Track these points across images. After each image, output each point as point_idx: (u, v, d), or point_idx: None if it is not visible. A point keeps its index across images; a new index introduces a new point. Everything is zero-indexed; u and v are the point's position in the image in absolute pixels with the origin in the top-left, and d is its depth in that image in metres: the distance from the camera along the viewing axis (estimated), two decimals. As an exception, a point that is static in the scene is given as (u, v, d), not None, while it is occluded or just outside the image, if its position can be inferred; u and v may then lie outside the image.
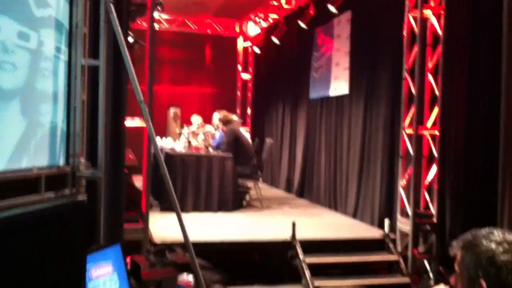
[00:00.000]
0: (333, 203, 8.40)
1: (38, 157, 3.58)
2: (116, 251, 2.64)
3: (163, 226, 6.36)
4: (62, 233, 2.16)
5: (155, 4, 5.88)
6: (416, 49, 6.09)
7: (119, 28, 3.84)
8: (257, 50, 12.28)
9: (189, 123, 9.95)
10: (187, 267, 3.84)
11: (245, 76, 12.93)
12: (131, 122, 5.67)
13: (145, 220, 5.44)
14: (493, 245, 1.65)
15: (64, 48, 3.86)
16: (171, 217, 6.71)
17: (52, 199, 3.59)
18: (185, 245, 4.40)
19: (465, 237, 1.75)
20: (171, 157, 7.63)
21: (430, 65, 6.16)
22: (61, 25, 3.82)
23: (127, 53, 3.94)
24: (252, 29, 12.13)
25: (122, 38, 3.90)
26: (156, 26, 9.51)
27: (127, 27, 5.13)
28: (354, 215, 7.56)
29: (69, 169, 3.84)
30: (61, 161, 3.83)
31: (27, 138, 3.47)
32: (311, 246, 5.96)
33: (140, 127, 5.80)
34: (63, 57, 3.85)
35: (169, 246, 5.57)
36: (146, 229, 5.45)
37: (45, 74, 3.65)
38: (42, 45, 3.60)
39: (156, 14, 8.46)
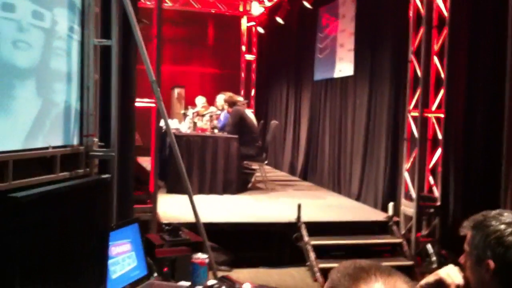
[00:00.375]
0: (337, 185, 8.45)
1: (52, 136, 3.63)
2: (134, 229, 2.68)
3: (170, 207, 6.41)
4: (89, 210, 2.21)
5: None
6: (422, 31, 6.09)
7: (131, 8, 3.85)
8: (261, 30, 12.23)
9: (193, 104, 9.95)
10: (199, 247, 3.90)
11: (249, 57, 12.90)
12: (139, 103, 5.68)
13: (153, 200, 5.48)
14: (502, 226, 1.69)
15: (77, 28, 3.88)
16: (178, 198, 6.83)
17: (66, 177, 3.65)
18: (195, 225, 4.49)
19: (475, 218, 1.79)
20: (177, 138, 7.62)
21: (435, 47, 6.16)
22: (73, 4, 3.84)
23: (139, 33, 3.96)
24: (256, 9, 12.06)
25: (134, 19, 3.91)
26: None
27: (135, 7, 5.13)
28: (358, 198, 7.62)
29: (82, 149, 3.89)
30: (75, 140, 3.88)
31: (43, 116, 3.52)
32: (316, 228, 6.01)
33: (146, 107, 5.81)
34: (76, 36, 3.88)
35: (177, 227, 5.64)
36: (154, 209, 5.50)
37: (59, 53, 3.68)
38: (56, 24, 3.63)
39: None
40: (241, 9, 12.65)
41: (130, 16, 3.92)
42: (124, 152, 4.63)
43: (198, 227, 4.52)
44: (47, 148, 3.50)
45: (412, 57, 6.24)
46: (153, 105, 5.54)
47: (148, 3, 9.78)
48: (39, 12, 3.43)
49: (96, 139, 3.97)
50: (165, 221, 5.79)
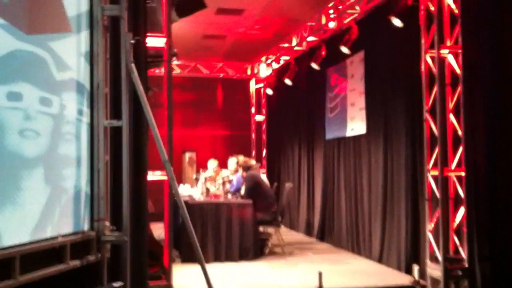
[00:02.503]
0: (356, 247, 8.20)
1: (62, 223, 3.51)
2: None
3: (186, 280, 6.19)
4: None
5: (171, 55, 5.84)
6: (435, 89, 6.01)
7: (141, 88, 3.79)
8: (269, 91, 12.28)
9: (205, 167, 9.86)
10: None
11: (259, 117, 12.89)
12: (151, 177, 5.57)
13: (168, 277, 5.29)
14: None
15: (86, 109, 3.81)
16: (193, 268, 6.61)
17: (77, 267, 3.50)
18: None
19: None
20: (190, 206, 7.50)
21: (450, 105, 6.06)
22: (82, 86, 3.78)
23: (151, 114, 3.88)
24: (264, 71, 12.15)
25: (145, 99, 3.84)
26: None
27: (145, 79, 5.09)
28: (380, 260, 7.35)
29: (93, 234, 3.75)
30: (86, 226, 3.75)
31: (51, 205, 3.40)
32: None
33: (160, 180, 5.70)
34: (85, 119, 3.80)
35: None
36: (169, 286, 5.29)
37: (67, 139, 3.59)
38: (64, 109, 3.56)
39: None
40: (248, 72, 12.76)
41: (141, 98, 3.85)
42: (137, 230, 4.48)
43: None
44: (56, 237, 3.37)
45: (427, 115, 6.13)
46: (165, 177, 5.42)
47: (157, 71, 9.84)
48: (47, 98, 3.37)
49: (107, 223, 3.82)
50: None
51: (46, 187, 3.35)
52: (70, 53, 3.63)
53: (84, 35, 3.79)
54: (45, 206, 3.32)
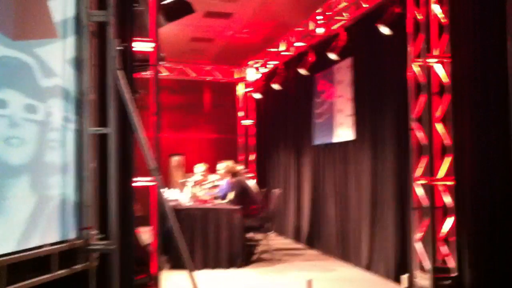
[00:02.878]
0: (345, 254, 8.18)
1: (49, 232, 3.45)
2: None
3: (173, 286, 6.13)
4: None
5: (158, 60, 5.79)
6: (422, 98, 6.02)
7: (127, 95, 3.74)
8: (257, 96, 12.26)
9: (192, 171, 9.79)
10: None
11: (246, 122, 12.86)
12: (139, 182, 5.50)
13: (156, 283, 5.22)
14: None
15: (71, 116, 3.76)
16: (183, 275, 6.54)
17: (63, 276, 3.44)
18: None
19: None
20: (178, 212, 7.41)
21: (437, 114, 6.07)
22: (68, 93, 3.73)
23: (137, 122, 3.83)
24: (252, 75, 12.13)
25: (131, 106, 3.79)
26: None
27: (131, 84, 5.03)
28: (368, 268, 7.34)
29: (80, 243, 3.69)
30: (73, 234, 3.69)
31: (38, 213, 3.34)
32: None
33: (145, 187, 5.63)
34: (71, 126, 3.75)
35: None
36: (157, 292, 5.24)
37: (53, 146, 3.54)
38: (49, 116, 3.51)
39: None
40: (236, 76, 12.72)
41: (126, 105, 3.81)
42: (124, 237, 4.42)
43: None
44: (43, 246, 3.31)
45: (413, 124, 6.13)
46: (153, 183, 5.36)
47: (143, 73, 9.79)
48: (32, 105, 3.32)
49: (94, 232, 3.77)
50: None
51: (32, 195, 3.29)
52: (56, 59, 3.58)
53: (70, 41, 3.73)
54: (31, 215, 3.26)
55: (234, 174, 8.20)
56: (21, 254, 3.12)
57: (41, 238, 3.34)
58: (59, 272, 3.44)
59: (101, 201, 3.97)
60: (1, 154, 3.01)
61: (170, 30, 8.29)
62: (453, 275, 5.70)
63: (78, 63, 3.75)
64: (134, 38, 4.77)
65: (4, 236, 3.02)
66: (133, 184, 4.60)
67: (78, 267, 3.65)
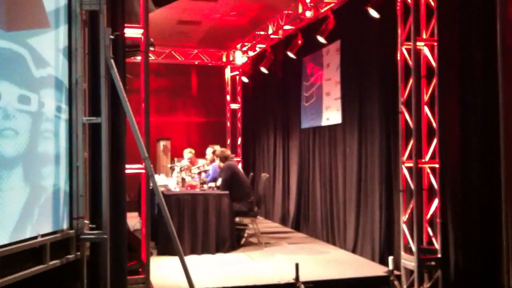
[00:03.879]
0: (331, 236, 8.29)
1: (41, 223, 3.46)
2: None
3: (163, 272, 6.19)
4: None
5: (148, 45, 5.75)
6: (411, 81, 6.07)
7: (120, 84, 3.73)
8: (245, 79, 12.23)
9: (179, 155, 9.80)
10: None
11: (234, 105, 12.85)
12: (129, 170, 5.50)
13: (146, 270, 5.26)
14: None
15: (64, 106, 3.75)
16: (170, 260, 6.61)
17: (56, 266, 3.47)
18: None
19: None
20: (166, 197, 7.45)
21: (425, 97, 6.13)
22: (61, 83, 3.72)
23: (130, 111, 3.83)
24: (239, 59, 12.09)
25: (124, 95, 3.79)
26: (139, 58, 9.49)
27: (123, 72, 5.01)
28: (354, 250, 7.46)
29: (73, 233, 3.71)
30: (65, 224, 3.71)
31: (31, 204, 3.35)
32: (316, 287, 5.83)
33: (136, 174, 5.63)
34: (64, 116, 3.74)
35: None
36: (147, 279, 5.27)
37: (46, 136, 3.54)
38: (42, 106, 3.50)
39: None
40: (224, 59, 12.67)
41: (120, 94, 3.80)
42: (116, 226, 4.44)
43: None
44: (36, 237, 3.33)
45: (402, 107, 6.19)
46: (143, 171, 5.37)
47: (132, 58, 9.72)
48: (26, 96, 3.30)
49: (86, 221, 3.79)
50: (158, 289, 5.60)
51: (26, 186, 3.30)
52: (49, 49, 3.56)
53: (62, 30, 3.71)
54: (25, 206, 3.27)
55: (224, 158, 8.21)
56: (14, 246, 3.13)
57: (34, 229, 3.35)
58: (52, 262, 3.46)
59: (93, 192, 3.98)
60: (-5, 146, 3.00)
61: (157, 13, 8.20)
62: (438, 256, 5.83)
63: (70, 53, 3.74)
64: (125, 25, 4.73)
65: (-2, 228, 3.03)
66: (125, 174, 4.60)
67: (70, 256, 3.67)
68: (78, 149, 3.75)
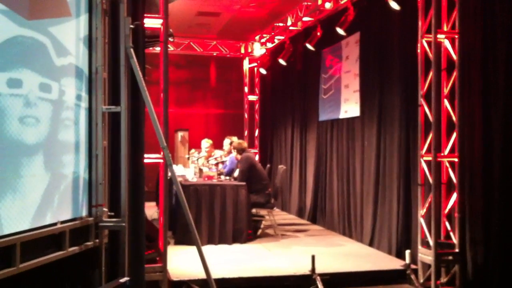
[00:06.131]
0: (348, 229, 8.27)
1: (61, 210, 3.50)
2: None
3: (180, 261, 6.24)
4: None
5: (167, 36, 5.77)
6: (431, 74, 6.01)
7: (140, 74, 3.76)
8: (263, 71, 12.22)
9: (197, 146, 9.83)
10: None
11: (252, 97, 12.85)
12: (147, 159, 5.54)
13: (163, 259, 5.31)
14: None
15: (84, 95, 3.79)
16: (187, 250, 6.66)
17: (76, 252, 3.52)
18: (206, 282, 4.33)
19: None
20: (184, 187, 7.49)
21: (445, 90, 6.07)
22: (81, 72, 3.75)
23: (149, 100, 3.85)
24: (258, 50, 12.08)
25: (144, 85, 3.81)
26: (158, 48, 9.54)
27: (143, 62, 5.04)
28: (371, 243, 7.44)
29: (92, 220, 3.76)
30: (84, 212, 3.75)
31: (51, 192, 3.39)
32: (332, 280, 5.82)
33: (154, 163, 5.67)
34: (84, 104, 3.78)
35: (188, 284, 5.50)
36: (164, 268, 5.32)
37: (66, 124, 3.57)
38: (63, 94, 3.53)
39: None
40: (242, 51, 12.66)
41: (140, 83, 3.82)
42: (134, 214, 4.48)
43: (210, 285, 4.37)
44: (55, 224, 3.37)
45: (422, 100, 6.13)
46: (161, 160, 5.40)
47: (150, 48, 9.76)
48: (47, 84, 3.34)
49: (105, 209, 3.83)
50: (175, 279, 5.63)
51: (46, 174, 3.34)
52: (70, 38, 3.59)
53: (83, 19, 3.74)
54: (45, 193, 3.31)
55: (241, 150, 8.23)
56: (34, 232, 3.18)
57: (53, 216, 3.40)
58: (71, 249, 3.51)
59: (112, 180, 4.02)
60: (16, 133, 3.04)
61: (176, 4, 8.22)
62: (455, 250, 5.78)
63: (90, 42, 3.77)
64: (145, 15, 4.75)
65: (19, 214, 3.07)
66: (143, 163, 4.64)
67: (89, 243, 3.71)
68: (98, 137, 3.79)
